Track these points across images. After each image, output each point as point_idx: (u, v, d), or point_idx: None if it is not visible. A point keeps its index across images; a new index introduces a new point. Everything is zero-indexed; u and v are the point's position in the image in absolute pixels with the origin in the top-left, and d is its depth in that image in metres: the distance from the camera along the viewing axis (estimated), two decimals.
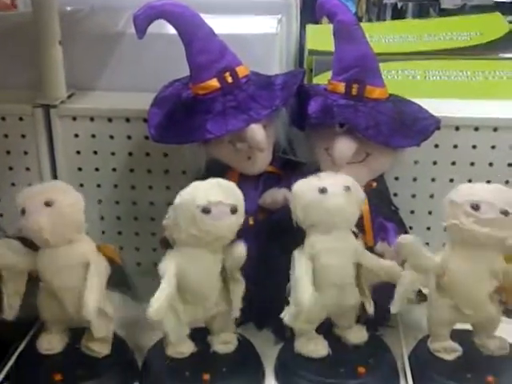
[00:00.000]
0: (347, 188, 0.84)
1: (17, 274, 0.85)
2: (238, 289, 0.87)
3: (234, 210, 0.80)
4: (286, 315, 0.85)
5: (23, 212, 0.81)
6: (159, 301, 0.79)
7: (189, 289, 0.84)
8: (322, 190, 0.83)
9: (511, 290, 0.86)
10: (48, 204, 0.81)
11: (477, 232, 0.80)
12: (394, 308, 0.85)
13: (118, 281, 0.89)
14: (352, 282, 0.87)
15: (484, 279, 0.83)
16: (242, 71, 0.93)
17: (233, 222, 0.81)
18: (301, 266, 0.83)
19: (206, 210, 0.79)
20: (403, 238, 0.84)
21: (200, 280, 0.84)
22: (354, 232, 0.86)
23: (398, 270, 0.86)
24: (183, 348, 0.88)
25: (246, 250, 0.85)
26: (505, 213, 0.79)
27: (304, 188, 0.84)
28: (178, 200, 0.81)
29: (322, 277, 0.85)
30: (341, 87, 0.92)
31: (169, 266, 0.82)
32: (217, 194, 0.80)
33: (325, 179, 0.85)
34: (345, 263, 0.85)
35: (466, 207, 0.80)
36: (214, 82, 0.92)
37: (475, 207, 0.80)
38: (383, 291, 0.90)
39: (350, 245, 0.85)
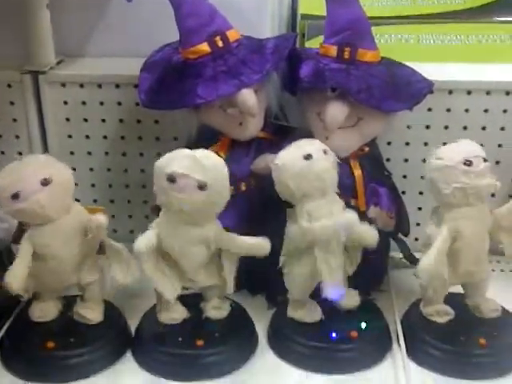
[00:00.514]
0: (325, 151, 0.83)
1: None
2: (231, 266, 0.86)
3: (201, 186, 0.78)
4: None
5: (16, 196, 0.79)
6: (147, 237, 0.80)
7: (172, 257, 0.84)
8: (307, 157, 0.82)
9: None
10: (45, 183, 0.80)
11: (480, 185, 0.81)
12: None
13: None
14: (341, 247, 0.86)
15: (485, 235, 0.85)
16: (232, 35, 0.92)
17: (198, 198, 0.79)
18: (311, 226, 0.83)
19: (170, 179, 0.78)
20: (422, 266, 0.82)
21: (179, 249, 0.83)
22: (338, 194, 0.86)
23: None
24: (176, 314, 0.88)
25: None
26: (485, 159, 0.82)
27: (289, 158, 0.83)
28: (155, 163, 0.81)
29: (318, 242, 0.83)
30: (333, 51, 0.91)
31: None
32: (186, 165, 0.78)
33: (304, 146, 0.84)
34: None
35: (461, 166, 0.81)
36: (205, 47, 0.91)
37: (468, 163, 0.81)
38: (375, 256, 0.91)
39: (339, 207, 0.85)
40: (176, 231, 0.82)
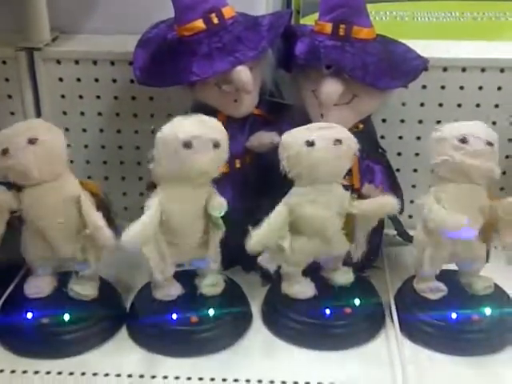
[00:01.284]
0: (337, 141, 0.82)
1: None
2: (215, 235, 0.87)
3: (216, 145, 0.80)
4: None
5: (4, 152, 0.80)
6: (135, 229, 0.79)
7: (171, 227, 0.84)
8: (310, 144, 0.82)
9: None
10: (32, 141, 0.80)
11: (467, 164, 0.81)
12: None
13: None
14: (337, 233, 0.86)
15: (473, 215, 0.84)
16: (227, 12, 0.92)
17: (215, 156, 0.81)
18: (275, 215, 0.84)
19: (187, 144, 0.79)
20: None
21: (182, 218, 0.84)
22: (343, 185, 0.86)
23: (390, 200, 0.85)
24: (171, 290, 0.88)
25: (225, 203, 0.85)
26: (490, 144, 0.82)
27: (292, 139, 0.83)
28: (159, 135, 0.81)
29: (305, 226, 0.85)
30: (328, 28, 0.91)
31: (152, 203, 0.82)
32: (198, 128, 0.80)
33: (315, 131, 0.83)
34: (326, 215, 0.85)
35: (455, 141, 0.82)
36: (200, 23, 0.90)
37: (464, 140, 0.81)
38: (369, 234, 0.91)
39: (334, 197, 0.85)
40: (182, 200, 0.83)
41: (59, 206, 0.83)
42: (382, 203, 0.86)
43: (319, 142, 0.82)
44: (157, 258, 0.84)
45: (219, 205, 0.84)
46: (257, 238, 0.82)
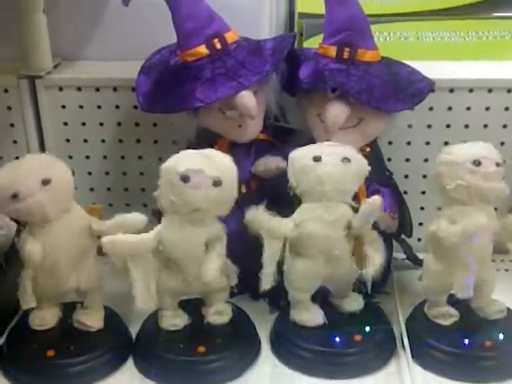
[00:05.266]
0: (346, 159, 0.82)
1: None
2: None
3: (217, 183, 0.78)
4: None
5: (15, 196, 0.79)
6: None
7: (171, 258, 0.83)
8: (316, 158, 0.81)
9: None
10: (45, 183, 0.80)
11: (484, 187, 0.81)
12: None
13: None
14: (345, 256, 0.85)
15: (489, 237, 0.83)
16: (230, 37, 0.92)
17: (213, 194, 0.78)
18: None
19: (184, 178, 0.78)
20: None
21: (181, 251, 0.82)
22: (352, 206, 0.84)
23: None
24: (177, 320, 0.87)
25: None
26: (498, 164, 0.81)
27: (299, 154, 0.83)
28: (164, 165, 0.80)
29: (308, 245, 0.84)
30: (332, 51, 0.90)
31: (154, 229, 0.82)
32: (200, 162, 0.79)
33: (324, 148, 0.83)
34: (332, 234, 0.83)
35: (469, 165, 0.80)
36: (203, 49, 0.90)
37: (477, 163, 0.80)
38: None
39: (342, 217, 0.83)
40: (181, 233, 0.82)
41: (69, 239, 0.83)
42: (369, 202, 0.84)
43: (326, 158, 0.81)
44: (141, 285, 0.82)
45: (210, 272, 0.82)
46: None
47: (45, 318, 0.87)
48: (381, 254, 0.84)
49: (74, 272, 0.85)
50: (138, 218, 0.82)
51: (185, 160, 0.79)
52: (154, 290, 0.83)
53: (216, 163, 0.79)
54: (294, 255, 0.85)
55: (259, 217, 0.82)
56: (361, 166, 0.83)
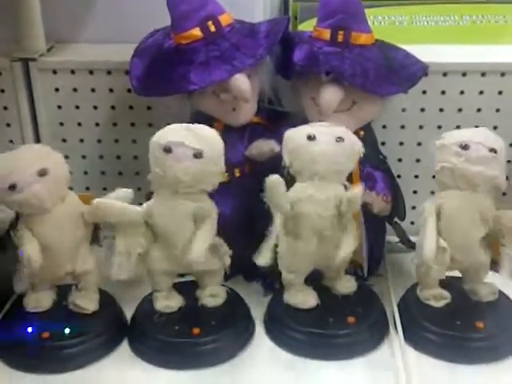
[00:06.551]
0: (339, 138, 0.82)
1: None
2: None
3: (197, 155, 0.79)
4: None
5: (13, 187, 0.79)
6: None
7: (160, 231, 0.84)
8: (310, 137, 0.82)
9: (497, 240, 0.86)
10: (42, 174, 0.80)
11: (469, 171, 0.81)
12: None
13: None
14: (335, 234, 0.85)
15: (476, 223, 0.83)
16: (225, 19, 0.91)
17: (193, 166, 0.79)
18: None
19: (166, 149, 0.79)
20: None
21: (168, 224, 0.83)
22: (345, 185, 0.85)
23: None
24: (172, 302, 0.87)
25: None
26: (493, 150, 0.81)
27: (294, 133, 0.84)
28: (151, 139, 0.82)
29: (301, 224, 0.84)
30: (326, 34, 0.90)
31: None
32: (181, 134, 0.80)
33: (318, 127, 0.84)
34: (324, 213, 0.84)
35: (456, 148, 0.81)
36: (197, 32, 0.90)
37: (464, 147, 0.81)
38: (372, 241, 0.90)
39: (334, 196, 0.83)
40: (168, 205, 0.82)
41: (65, 227, 0.83)
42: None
43: (320, 137, 0.82)
44: (122, 254, 0.84)
45: (195, 252, 0.81)
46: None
47: (40, 301, 0.87)
48: (352, 240, 0.85)
49: (69, 258, 0.85)
50: (122, 193, 0.84)
51: (168, 133, 0.81)
52: (133, 264, 0.84)
53: (198, 136, 0.80)
54: (287, 236, 0.85)
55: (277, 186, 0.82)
56: (354, 145, 0.84)
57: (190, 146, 0.79)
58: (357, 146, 0.84)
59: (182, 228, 0.83)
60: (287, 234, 0.85)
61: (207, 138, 0.81)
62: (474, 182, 0.82)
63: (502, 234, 0.84)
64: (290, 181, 0.84)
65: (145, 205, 0.83)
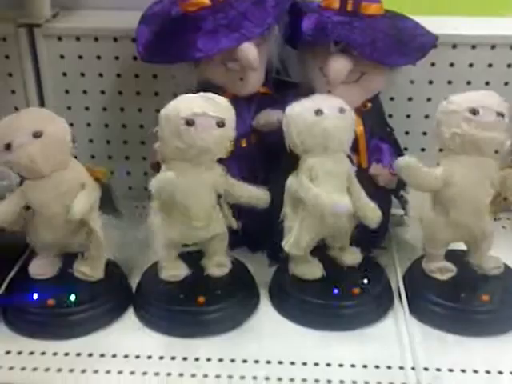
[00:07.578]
0: (342, 109, 0.82)
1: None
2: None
3: (220, 124, 0.79)
4: (287, 244, 0.85)
5: (8, 147, 0.79)
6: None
7: (176, 205, 0.83)
8: (318, 112, 0.81)
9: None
10: (36, 135, 0.79)
11: (479, 136, 0.80)
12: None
13: (105, 200, 0.88)
14: None
15: (484, 187, 0.83)
16: None
17: (218, 135, 0.80)
18: (310, 187, 0.82)
19: (189, 122, 0.78)
20: (400, 161, 0.82)
21: (187, 196, 0.82)
22: (349, 156, 0.85)
23: None
24: (177, 271, 0.87)
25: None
26: (501, 114, 0.81)
27: (299, 111, 0.83)
28: (162, 112, 0.80)
29: None
30: (335, 3, 0.89)
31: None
32: (202, 105, 0.79)
33: (319, 101, 0.84)
34: (339, 186, 0.84)
35: (466, 113, 0.80)
36: None
37: (474, 112, 0.80)
38: None
39: (345, 168, 0.84)
40: (185, 177, 0.81)
41: (66, 195, 0.82)
42: None
43: (327, 111, 0.82)
44: (161, 232, 0.84)
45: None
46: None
47: (45, 267, 0.88)
48: None
49: (75, 226, 0.84)
50: None
51: (186, 105, 0.79)
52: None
53: (217, 104, 0.80)
54: (295, 213, 0.85)
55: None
56: (352, 115, 0.84)
57: (214, 115, 0.79)
58: (353, 115, 0.84)
59: (203, 199, 0.83)
60: (296, 207, 0.85)
61: (224, 106, 0.81)
62: (481, 148, 0.81)
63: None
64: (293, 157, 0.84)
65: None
